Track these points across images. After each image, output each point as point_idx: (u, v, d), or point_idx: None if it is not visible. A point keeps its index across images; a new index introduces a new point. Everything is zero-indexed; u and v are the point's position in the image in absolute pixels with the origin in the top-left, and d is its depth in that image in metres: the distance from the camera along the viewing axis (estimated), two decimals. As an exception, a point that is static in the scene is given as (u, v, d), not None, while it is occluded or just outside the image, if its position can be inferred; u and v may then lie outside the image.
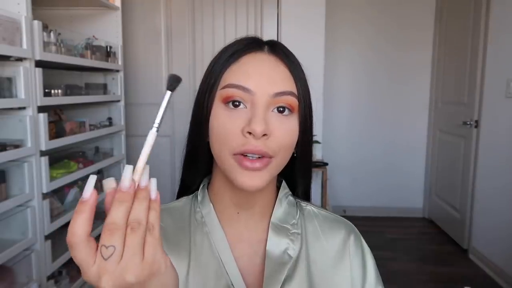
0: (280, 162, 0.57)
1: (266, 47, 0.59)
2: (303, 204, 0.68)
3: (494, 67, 2.63)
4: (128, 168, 0.40)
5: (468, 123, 2.88)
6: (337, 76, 3.67)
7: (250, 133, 0.53)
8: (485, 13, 2.71)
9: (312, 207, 0.68)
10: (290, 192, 0.67)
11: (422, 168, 3.74)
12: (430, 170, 3.66)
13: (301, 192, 0.68)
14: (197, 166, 0.64)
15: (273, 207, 0.64)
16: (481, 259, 2.73)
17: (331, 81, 3.55)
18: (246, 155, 0.53)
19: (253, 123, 0.52)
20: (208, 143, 0.59)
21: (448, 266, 2.77)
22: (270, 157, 0.54)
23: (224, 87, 0.56)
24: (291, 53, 0.60)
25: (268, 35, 3.14)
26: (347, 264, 0.64)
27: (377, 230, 3.36)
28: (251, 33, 3.12)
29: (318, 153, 3.02)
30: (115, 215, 0.39)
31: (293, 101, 0.57)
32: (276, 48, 0.59)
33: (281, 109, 0.56)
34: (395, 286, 2.47)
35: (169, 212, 0.64)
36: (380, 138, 3.72)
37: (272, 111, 0.56)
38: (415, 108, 3.69)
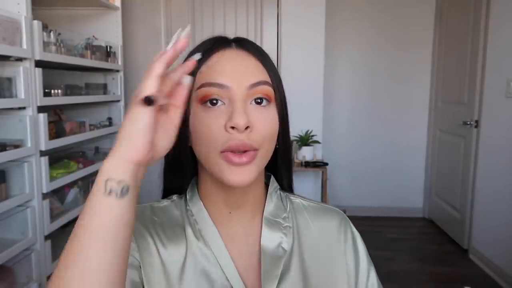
0: (265, 154, 0.57)
1: (233, 43, 0.59)
2: (292, 197, 0.68)
3: (494, 67, 2.63)
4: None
5: (468, 123, 2.88)
6: (337, 75, 3.66)
7: (233, 127, 0.53)
8: (485, 13, 2.71)
9: (301, 200, 0.69)
10: (279, 186, 0.68)
11: (422, 168, 3.74)
12: (430, 170, 3.65)
13: (286, 184, 0.69)
14: (181, 173, 0.64)
15: (264, 203, 0.64)
16: (481, 259, 2.73)
17: (331, 81, 3.55)
18: (232, 151, 0.54)
19: (235, 117, 0.52)
20: (189, 148, 0.59)
21: (448, 266, 2.77)
22: (255, 149, 0.55)
23: (198, 88, 0.56)
24: (259, 46, 0.60)
25: (268, 35, 3.15)
26: (341, 251, 0.64)
27: (377, 230, 3.36)
28: (251, 33, 3.12)
29: (318, 153, 3.02)
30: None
31: (269, 90, 0.57)
32: (244, 43, 0.60)
33: (259, 101, 0.56)
34: (395, 286, 2.47)
35: (162, 210, 0.64)
36: (380, 138, 3.72)
37: (251, 103, 0.56)
38: (415, 108, 3.68)
